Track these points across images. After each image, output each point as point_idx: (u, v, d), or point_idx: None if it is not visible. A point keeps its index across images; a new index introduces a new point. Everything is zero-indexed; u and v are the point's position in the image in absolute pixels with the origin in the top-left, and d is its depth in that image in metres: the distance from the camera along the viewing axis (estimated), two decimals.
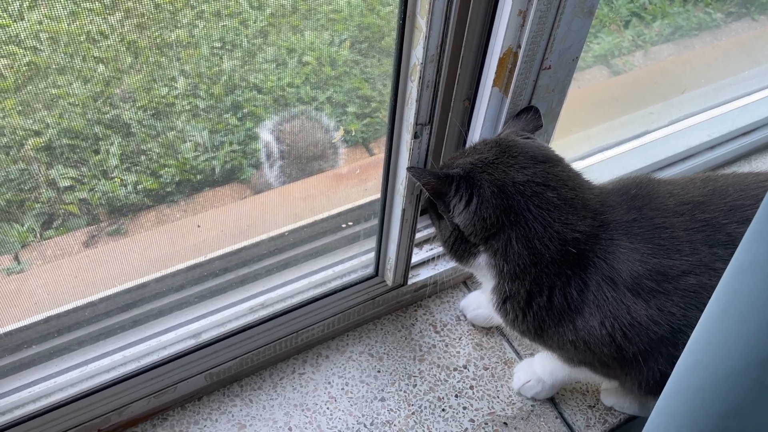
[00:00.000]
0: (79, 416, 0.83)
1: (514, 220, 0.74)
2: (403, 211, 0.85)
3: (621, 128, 1.14)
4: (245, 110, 1.78)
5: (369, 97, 1.91)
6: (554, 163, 0.78)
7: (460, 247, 0.79)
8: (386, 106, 1.78)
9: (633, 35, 2.07)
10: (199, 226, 1.08)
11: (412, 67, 0.72)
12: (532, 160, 0.77)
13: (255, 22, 1.92)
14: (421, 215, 0.94)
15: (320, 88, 1.93)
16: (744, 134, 1.34)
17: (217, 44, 1.84)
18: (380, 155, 1.55)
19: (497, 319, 1.00)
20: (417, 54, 0.70)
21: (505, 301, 0.80)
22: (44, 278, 1.12)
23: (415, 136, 0.76)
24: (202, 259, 0.96)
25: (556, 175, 0.77)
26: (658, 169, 1.18)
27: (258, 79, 1.82)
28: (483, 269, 0.80)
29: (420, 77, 0.71)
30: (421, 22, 0.67)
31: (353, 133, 1.63)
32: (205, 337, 0.90)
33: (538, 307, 0.77)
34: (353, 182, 1.29)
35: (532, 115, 0.84)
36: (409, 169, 0.78)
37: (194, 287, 0.95)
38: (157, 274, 0.94)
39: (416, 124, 0.75)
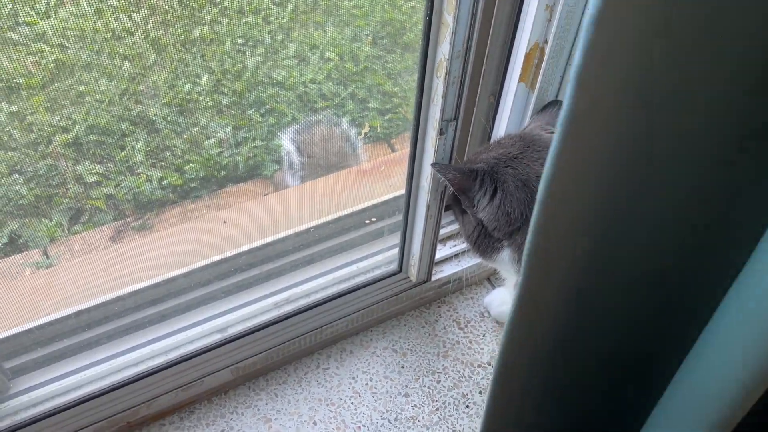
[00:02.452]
0: (109, 408, 0.85)
1: None
2: (428, 207, 0.86)
3: None
4: (268, 106, 1.79)
5: (391, 93, 1.90)
6: None
7: (483, 241, 0.79)
8: (408, 102, 1.78)
9: None
10: (225, 222, 1.09)
11: (438, 63, 0.72)
12: None
13: (277, 19, 1.93)
14: (444, 211, 0.94)
15: (342, 84, 1.93)
16: None
17: (240, 41, 1.86)
18: (403, 151, 1.55)
19: None
20: (443, 50, 0.70)
21: None
22: (74, 273, 1.14)
23: (441, 132, 0.76)
24: (228, 254, 0.97)
25: None
26: None
27: (280, 75, 1.83)
28: (507, 264, 0.79)
29: (446, 73, 0.71)
30: (448, 18, 0.67)
31: (377, 130, 1.63)
32: (232, 331, 0.91)
33: None
34: (376, 178, 1.30)
35: (558, 109, 0.83)
36: (433, 165, 0.77)
37: (220, 282, 0.96)
38: (184, 269, 0.95)
39: (441, 120, 0.75)
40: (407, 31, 2.09)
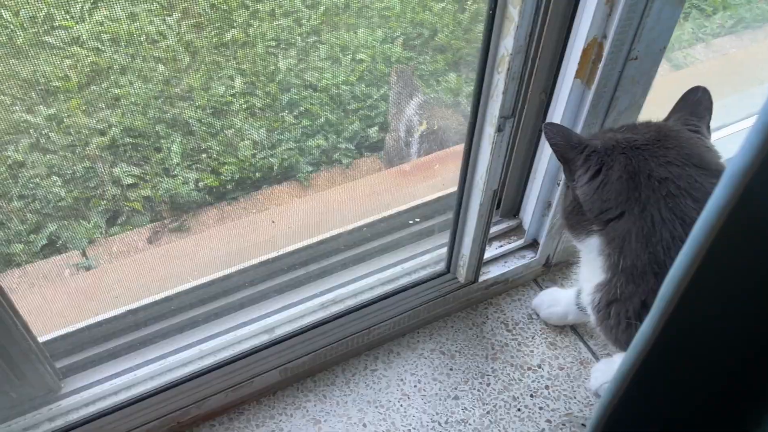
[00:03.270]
0: (160, 408, 0.84)
1: (638, 215, 0.68)
2: (481, 205, 0.84)
3: None
4: (301, 108, 1.79)
5: (424, 94, 1.89)
6: (711, 172, 0.69)
7: (575, 218, 0.73)
8: (439, 103, 1.76)
9: (693, 27, 2.00)
10: (273, 222, 1.08)
11: (499, 59, 0.70)
12: (685, 159, 0.69)
13: (309, 21, 1.93)
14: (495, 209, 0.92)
15: (374, 85, 1.92)
16: None
17: (272, 43, 1.86)
18: (437, 154, 1.54)
19: (577, 318, 0.98)
20: (506, 45, 0.68)
21: (610, 303, 0.72)
22: (121, 273, 1.14)
23: (499, 129, 0.75)
24: (275, 254, 0.96)
25: (706, 186, 0.68)
26: None
27: (313, 77, 1.83)
28: (593, 254, 0.73)
29: (508, 68, 0.69)
30: (513, 11, 0.65)
31: (435, 127, 1.61)
32: (279, 332, 0.90)
33: None
34: (418, 178, 1.28)
35: (701, 97, 0.75)
36: (546, 124, 0.72)
37: (268, 282, 0.95)
38: (232, 269, 0.94)
39: (500, 117, 0.74)
40: (439, 32, 2.08)
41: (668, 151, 0.70)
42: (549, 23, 0.78)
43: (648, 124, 0.74)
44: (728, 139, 1.16)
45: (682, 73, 1.68)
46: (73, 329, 0.87)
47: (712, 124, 0.80)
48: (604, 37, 0.76)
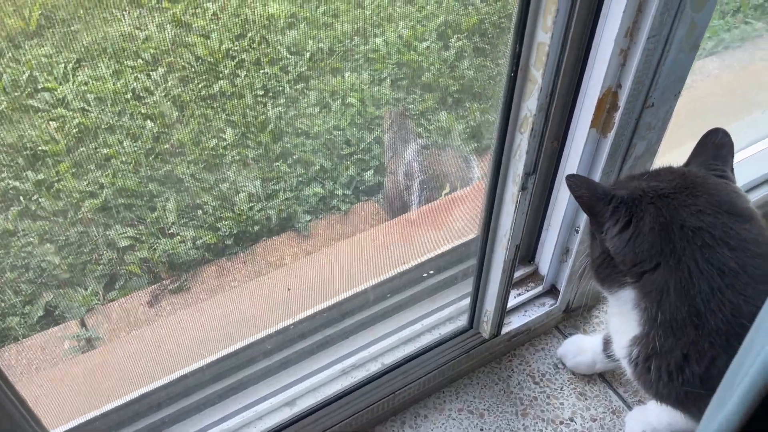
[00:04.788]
0: None
1: (674, 267, 0.66)
2: (505, 262, 0.81)
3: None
4: (295, 156, 1.76)
5: (416, 134, 1.88)
6: (743, 218, 0.68)
7: (606, 270, 0.71)
8: (434, 142, 1.75)
9: None
10: (289, 289, 1.04)
11: (522, 119, 0.68)
12: (716, 207, 0.67)
13: (295, 68, 1.91)
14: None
15: (366, 129, 1.91)
16: None
17: (261, 92, 1.84)
18: (442, 201, 1.52)
19: (605, 366, 0.95)
20: (529, 106, 0.67)
21: (649, 357, 0.69)
22: (128, 351, 1.09)
23: (523, 187, 0.73)
24: (290, 321, 0.92)
25: (740, 233, 0.67)
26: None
27: (304, 124, 1.81)
28: (627, 307, 0.71)
29: (531, 129, 0.67)
30: (536, 74, 0.64)
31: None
32: (302, 404, 0.86)
33: (691, 375, 0.67)
34: (425, 228, 1.26)
35: (722, 140, 0.74)
36: (569, 176, 0.70)
37: (284, 351, 0.92)
38: (246, 340, 0.91)
39: (524, 174, 0.72)
40: (425, 71, 2.08)
41: (697, 199, 0.68)
42: (562, 76, 0.76)
43: (672, 170, 0.73)
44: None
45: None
46: (84, 420, 0.82)
47: None
48: (619, 86, 0.75)
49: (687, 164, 0.75)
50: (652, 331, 0.68)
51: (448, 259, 1.03)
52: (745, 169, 1.17)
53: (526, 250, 1.02)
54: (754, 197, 1.15)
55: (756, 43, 2.06)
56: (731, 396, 0.42)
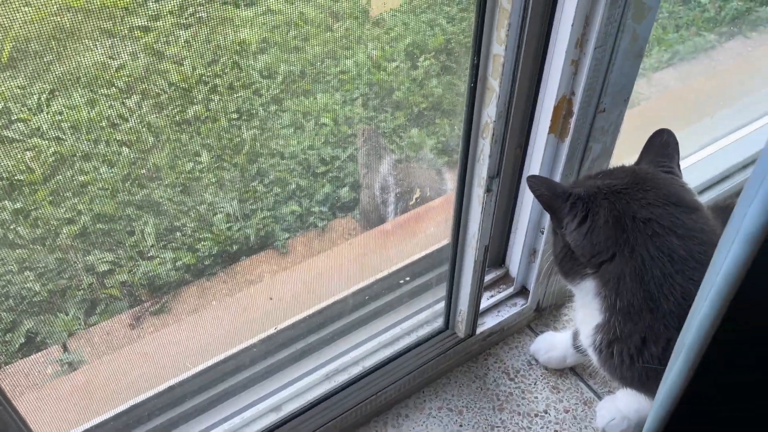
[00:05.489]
0: None
1: (628, 256, 0.71)
2: (475, 262, 0.87)
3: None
4: (271, 176, 1.80)
5: (389, 150, 1.93)
6: (690, 209, 0.73)
7: (568, 263, 0.77)
8: (406, 157, 1.80)
9: None
10: (271, 298, 1.08)
11: (483, 126, 0.74)
12: (664, 199, 0.73)
13: (268, 91, 1.96)
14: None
15: (340, 147, 1.96)
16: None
17: (235, 115, 1.88)
18: (415, 211, 1.57)
19: (575, 360, 1.00)
20: (489, 113, 0.73)
21: (611, 343, 0.74)
22: (114, 367, 1.11)
23: (488, 189, 0.78)
24: (272, 330, 0.96)
25: (687, 223, 0.72)
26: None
27: (278, 144, 1.85)
28: (589, 298, 0.76)
29: (492, 134, 0.73)
30: (494, 83, 0.70)
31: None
32: (287, 409, 0.90)
33: (650, 356, 0.72)
34: (400, 237, 1.30)
35: (667, 139, 0.80)
36: (529, 177, 0.75)
37: (268, 359, 0.95)
38: (230, 351, 0.94)
39: (488, 177, 0.77)
40: (396, 90, 2.15)
41: (647, 193, 0.74)
42: (519, 86, 0.82)
43: (623, 169, 0.79)
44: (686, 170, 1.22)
45: (635, 111, 1.77)
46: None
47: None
48: (573, 93, 0.81)
49: (638, 163, 0.81)
50: (612, 318, 0.74)
51: (423, 265, 1.08)
52: (695, 172, 1.24)
53: (496, 254, 1.07)
54: (705, 198, 1.22)
55: (708, 54, 2.17)
56: (676, 362, 0.47)
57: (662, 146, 0.80)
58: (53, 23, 1.76)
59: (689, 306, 0.71)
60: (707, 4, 2.23)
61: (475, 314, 0.98)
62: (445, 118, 2.00)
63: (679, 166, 0.81)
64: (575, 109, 0.82)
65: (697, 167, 1.26)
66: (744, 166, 1.26)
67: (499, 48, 0.68)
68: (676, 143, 0.81)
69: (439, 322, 1.01)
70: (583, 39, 0.78)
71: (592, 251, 0.73)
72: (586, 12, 0.74)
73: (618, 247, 0.72)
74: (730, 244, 0.40)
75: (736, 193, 1.29)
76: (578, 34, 0.78)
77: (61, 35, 1.78)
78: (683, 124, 1.42)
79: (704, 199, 1.25)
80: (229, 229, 1.58)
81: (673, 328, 0.70)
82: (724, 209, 0.89)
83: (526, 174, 0.94)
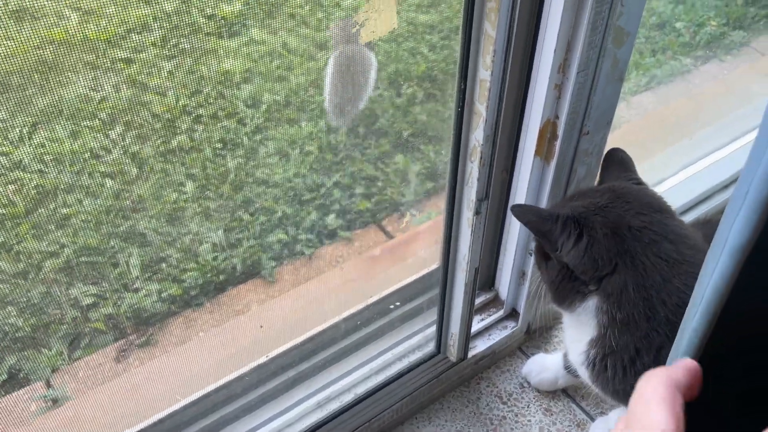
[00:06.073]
0: None
1: (630, 265, 0.72)
2: (466, 284, 0.88)
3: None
4: (257, 205, 1.81)
5: (374, 177, 1.95)
6: (671, 215, 0.77)
7: (567, 285, 0.77)
8: (392, 184, 1.82)
9: None
10: (261, 326, 1.08)
11: (471, 149, 0.76)
12: (648, 207, 0.75)
13: (252, 120, 1.98)
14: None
15: (326, 174, 1.97)
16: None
17: (219, 145, 1.89)
18: (404, 235, 1.58)
19: (567, 381, 1.01)
20: (477, 137, 0.74)
21: (605, 356, 0.75)
22: (103, 401, 1.10)
23: (477, 212, 0.80)
24: (263, 359, 0.96)
25: (674, 228, 0.75)
26: None
27: (264, 173, 1.86)
28: (587, 316, 0.76)
29: (480, 157, 0.75)
30: (481, 107, 0.71)
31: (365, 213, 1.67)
32: None
33: (642, 366, 0.72)
34: (389, 262, 1.31)
35: (623, 156, 0.83)
36: (513, 207, 0.76)
37: (259, 389, 0.95)
38: (220, 381, 0.93)
39: (477, 200, 0.79)
40: (379, 117, 2.17)
41: (632, 204, 0.77)
42: (505, 110, 0.84)
43: (598, 189, 0.82)
44: (669, 191, 1.25)
45: (617, 134, 1.82)
46: None
47: (652, 179, 0.87)
48: (557, 117, 0.84)
49: (601, 182, 0.84)
50: (608, 331, 0.75)
51: (413, 289, 1.08)
52: (676, 193, 1.27)
53: (485, 277, 1.08)
54: (687, 218, 1.25)
55: (685, 78, 2.23)
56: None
57: (621, 163, 0.84)
58: (36, 56, 1.77)
59: (683, 312, 0.73)
60: (682, 29, 2.30)
61: (467, 337, 0.98)
62: (429, 144, 2.03)
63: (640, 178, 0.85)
64: (560, 131, 0.84)
65: (678, 188, 1.29)
66: (724, 187, 1.29)
67: (485, 73, 0.70)
68: (631, 159, 0.85)
69: (430, 347, 1.01)
70: (565, 64, 0.80)
71: (594, 266, 0.74)
72: (567, 38, 0.77)
73: (620, 257, 0.73)
74: (717, 258, 0.41)
75: (717, 213, 1.32)
76: (561, 60, 0.80)
77: (44, 68, 1.78)
78: (663, 146, 1.45)
79: (686, 219, 1.27)
80: (215, 258, 1.58)
81: (664, 335, 0.72)
82: (705, 223, 0.92)
83: (512, 196, 0.96)
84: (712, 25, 2.35)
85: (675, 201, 1.29)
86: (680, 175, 1.30)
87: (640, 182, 0.83)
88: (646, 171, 1.43)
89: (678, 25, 2.38)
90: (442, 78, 2.22)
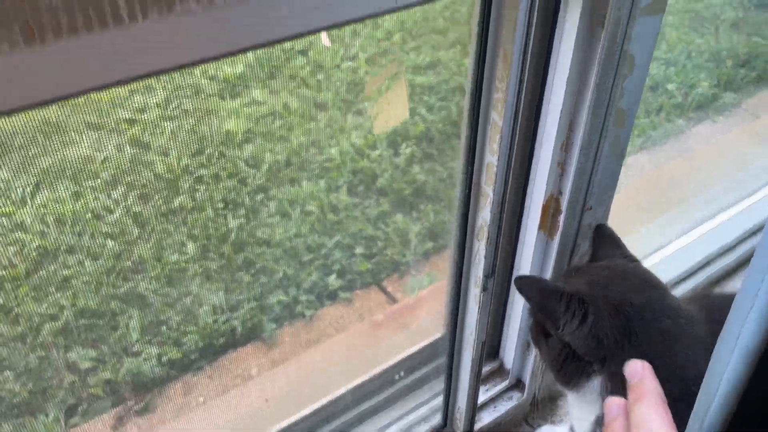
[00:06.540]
0: None
1: (636, 344, 0.72)
2: (473, 359, 0.88)
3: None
4: (257, 265, 1.82)
5: (375, 237, 1.97)
6: (665, 291, 0.78)
7: (570, 366, 0.76)
8: (392, 243, 1.84)
9: None
10: (267, 400, 1.07)
11: (478, 229, 0.78)
12: (645, 284, 0.77)
13: (254, 179, 2.00)
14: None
15: (327, 234, 1.99)
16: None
17: (221, 205, 1.91)
18: (407, 300, 1.59)
19: None
20: (484, 216, 0.76)
21: None
22: None
23: (484, 288, 0.81)
24: None
25: (670, 303, 0.75)
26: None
27: (265, 233, 1.87)
28: (593, 395, 0.76)
29: (487, 237, 0.76)
30: (488, 189, 0.74)
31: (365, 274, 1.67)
32: None
33: None
34: (392, 329, 1.32)
35: (609, 232, 0.85)
36: (516, 279, 0.77)
37: None
38: None
39: (484, 277, 0.80)
40: (379, 176, 2.21)
41: (629, 281, 0.78)
42: (510, 188, 0.87)
43: (597, 265, 0.83)
44: (666, 260, 1.27)
45: (616, 198, 1.85)
46: None
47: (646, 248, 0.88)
48: (560, 193, 0.86)
49: (593, 257, 0.85)
50: None
51: (418, 359, 1.09)
52: (674, 261, 1.29)
53: (490, 346, 1.09)
54: (685, 287, 1.26)
55: (679, 139, 2.28)
56: None
57: (610, 239, 0.86)
58: (40, 117, 1.80)
59: (686, 388, 0.73)
60: (674, 90, 2.36)
61: (473, 410, 0.98)
62: (429, 204, 2.05)
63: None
64: (563, 207, 0.86)
65: (677, 255, 1.30)
66: (721, 254, 1.31)
67: (491, 158, 0.72)
68: (617, 236, 0.87)
69: (437, 418, 1.01)
70: (567, 143, 0.83)
71: (599, 347, 0.74)
72: (570, 117, 0.80)
73: (625, 337, 0.73)
74: (727, 362, 0.42)
75: (712, 282, 1.33)
76: (563, 138, 0.83)
77: (47, 128, 1.81)
78: (660, 212, 1.48)
79: (684, 288, 1.28)
80: (215, 321, 1.58)
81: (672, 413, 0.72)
82: (703, 297, 0.93)
83: (516, 268, 0.98)
84: (704, 85, 2.42)
85: (670, 271, 1.30)
86: (680, 242, 1.32)
87: (634, 259, 0.84)
88: (642, 237, 1.45)
89: (670, 86, 2.44)
90: (439, 138, 2.27)
